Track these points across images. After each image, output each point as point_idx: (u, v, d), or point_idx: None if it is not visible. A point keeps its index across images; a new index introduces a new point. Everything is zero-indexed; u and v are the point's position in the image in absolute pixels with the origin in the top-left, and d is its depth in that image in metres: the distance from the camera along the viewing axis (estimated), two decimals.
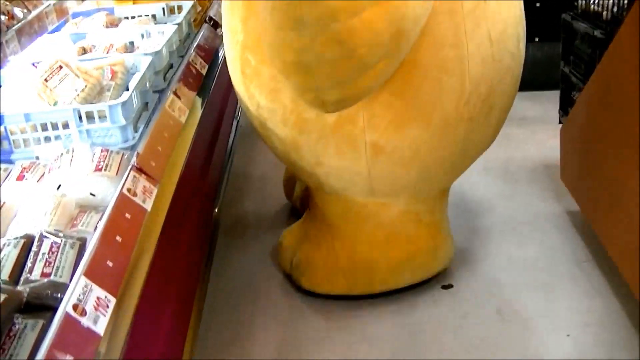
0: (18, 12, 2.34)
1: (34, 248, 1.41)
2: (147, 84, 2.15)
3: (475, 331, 2.22)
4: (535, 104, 3.93)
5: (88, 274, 1.30)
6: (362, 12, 1.67)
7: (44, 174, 1.78)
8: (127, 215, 1.52)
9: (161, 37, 2.53)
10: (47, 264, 1.37)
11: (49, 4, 2.45)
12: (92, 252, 1.36)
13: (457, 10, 1.94)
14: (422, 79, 1.98)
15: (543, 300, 2.34)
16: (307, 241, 2.47)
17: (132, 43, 2.52)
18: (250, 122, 2.33)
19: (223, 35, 2.27)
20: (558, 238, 2.69)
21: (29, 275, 1.34)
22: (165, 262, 1.75)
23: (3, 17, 2.31)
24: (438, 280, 2.46)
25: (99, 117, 1.89)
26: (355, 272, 2.37)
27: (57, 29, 2.78)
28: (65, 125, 1.87)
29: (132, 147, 1.88)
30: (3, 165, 1.83)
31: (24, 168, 1.80)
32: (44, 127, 1.89)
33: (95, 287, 1.28)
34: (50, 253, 1.39)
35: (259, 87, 2.12)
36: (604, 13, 2.61)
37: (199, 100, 2.53)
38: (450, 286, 2.43)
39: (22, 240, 1.44)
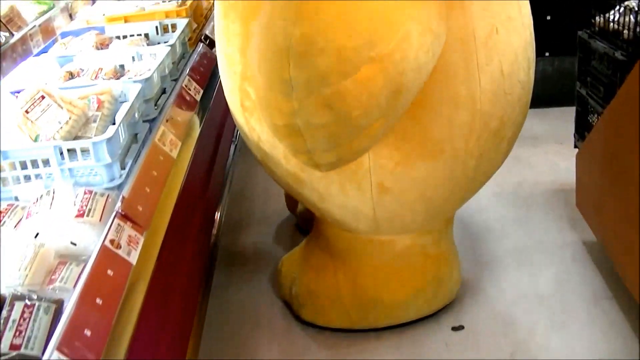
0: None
1: (4, 313, 1.27)
2: (136, 115, 2.01)
3: None
4: (545, 121, 3.77)
5: (62, 347, 1.16)
6: (355, 73, 1.54)
7: (22, 218, 1.64)
8: (110, 272, 1.38)
9: (153, 60, 2.39)
10: (18, 333, 1.23)
11: (34, 26, 2.31)
12: (67, 320, 1.22)
13: (469, 42, 1.81)
14: (431, 117, 1.85)
15: (559, 342, 2.19)
16: (308, 270, 2.34)
17: (122, 66, 2.38)
18: (250, 150, 2.20)
19: (218, 61, 2.12)
20: (574, 271, 2.54)
21: None
22: (159, 304, 1.62)
23: None
24: (448, 318, 2.32)
25: (83, 153, 1.75)
26: (359, 307, 2.25)
27: (44, 50, 2.64)
28: (47, 162, 1.73)
29: (119, 186, 1.74)
30: None
31: (1, 212, 1.66)
32: (23, 165, 1.75)
33: None
34: (22, 320, 1.26)
35: (260, 121, 1.96)
36: (625, 32, 2.45)
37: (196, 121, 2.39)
38: (461, 327, 2.28)
39: None
